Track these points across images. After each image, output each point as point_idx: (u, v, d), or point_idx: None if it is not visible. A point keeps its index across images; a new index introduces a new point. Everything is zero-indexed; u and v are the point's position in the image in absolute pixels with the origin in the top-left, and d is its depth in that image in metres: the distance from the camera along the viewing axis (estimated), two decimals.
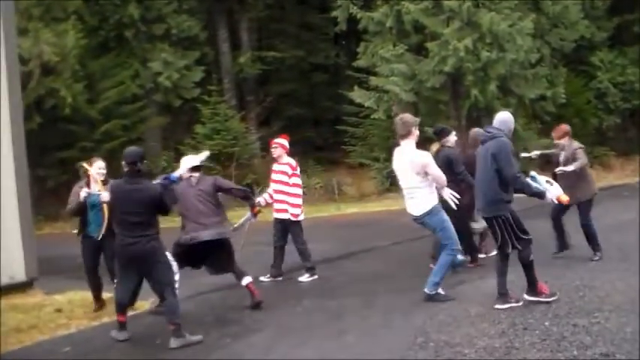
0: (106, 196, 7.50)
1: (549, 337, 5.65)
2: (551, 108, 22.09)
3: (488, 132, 6.98)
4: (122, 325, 6.84)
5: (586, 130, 23.55)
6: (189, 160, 7.78)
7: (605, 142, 24.28)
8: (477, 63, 18.86)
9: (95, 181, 8.05)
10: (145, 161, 7.16)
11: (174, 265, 7.24)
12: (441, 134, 9.23)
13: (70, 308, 8.17)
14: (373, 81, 21.15)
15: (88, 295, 8.48)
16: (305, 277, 9.21)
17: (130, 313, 7.98)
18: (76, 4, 21.24)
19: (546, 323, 6.03)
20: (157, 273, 6.64)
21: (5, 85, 9.69)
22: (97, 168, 8.15)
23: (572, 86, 23.25)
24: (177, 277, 7.33)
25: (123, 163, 6.81)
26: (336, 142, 26.23)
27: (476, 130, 9.30)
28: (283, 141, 9.54)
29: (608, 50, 25.11)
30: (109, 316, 7.83)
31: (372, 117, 22.07)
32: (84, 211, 7.95)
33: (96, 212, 7.93)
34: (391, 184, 22.64)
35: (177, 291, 6.96)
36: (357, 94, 21.76)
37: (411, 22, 20.11)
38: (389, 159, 24.60)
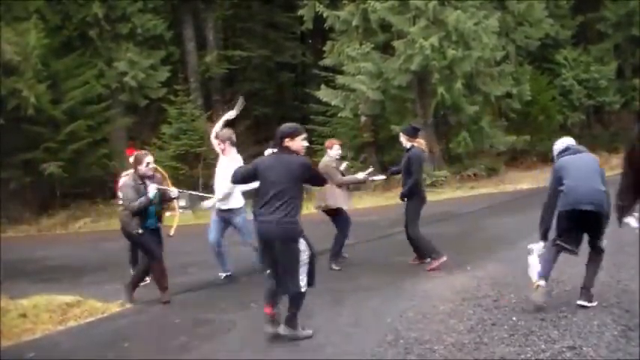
0: (175, 192, 8.24)
1: (517, 331, 5.69)
2: (517, 105, 22.36)
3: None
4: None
5: (551, 126, 23.88)
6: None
7: None
8: (443, 61, 18.99)
9: (145, 176, 8.11)
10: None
11: None
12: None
13: (35, 313, 7.99)
14: (340, 80, 21.20)
15: (53, 298, 8.33)
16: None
17: (99, 315, 7.91)
18: (37, 3, 20.96)
19: (514, 318, 6.07)
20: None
21: None
22: (146, 163, 8.15)
23: (537, 83, 23.54)
24: None
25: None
26: None
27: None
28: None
29: (572, 48, 25.50)
30: (74, 320, 7.71)
31: (339, 116, 22.13)
32: (145, 207, 8.04)
33: (157, 207, 8.17)
34: None
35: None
36: (324, 93, 21.79)
37: (378, 21, 20.21)
38: (356, 157, 24.79)
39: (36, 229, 19.68)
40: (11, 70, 19.41)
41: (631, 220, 5.62)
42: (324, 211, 9.64)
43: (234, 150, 8.96)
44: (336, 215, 9.58)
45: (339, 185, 9.45)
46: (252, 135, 26.85)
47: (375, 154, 23.45)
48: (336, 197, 9.47)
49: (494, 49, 20.25)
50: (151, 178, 8.15)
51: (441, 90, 19.25)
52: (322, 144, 24.19)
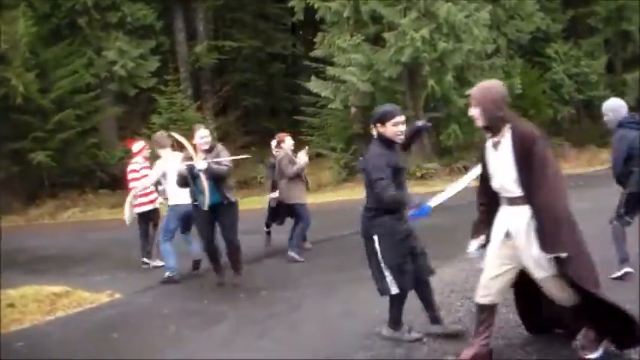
0: (201, 164, 7.46)
1: (507, 324, 5.70)
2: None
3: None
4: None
5: (541, 120, 23.93)
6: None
7: (560, 132, 24.68)
8: (434, 53, 19.00)
9: (200, 150, 7.79)
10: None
11: None
12: None
13: (24, 303, 7.97)
14: (330, 71, 21.16)
15: (41, 289, 8.30)
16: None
17: (88, 305, 7.88)
18: None
19: (503, 310, 6.08)
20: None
21: None
22: (199, 137, 7.82)
23: (527, 77, 23.56)
24: None
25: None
26: (294, 132, 26.19)
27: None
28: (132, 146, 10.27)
29: (563, 42, 25.52)
30: (63, 311, 7.68)
31: (329, 107, 22.11)
32: (187, 182, 7.70)
33: (198, 183, 7.63)
34: (348, 175, 22.73)
35: None
36: (314, 84, 21.75)
37: (369, 12, 20.18)
38: (346, 149, 24.69)
39: (24, 219, 19.60)
40: None
41: (473, 246, 5.13)
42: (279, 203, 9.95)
43: (167, 150, 8.80)
44: (293, 209, 9.84)
45: (291, 178, 9.59)
46: (242, 126, 26.78)
47: (365, 145, 23.41)
48: (289, 191, 9.68)
49: (485, 41, 20.27)
50: (209, 152, 7.82)
51: (431, 82, 19.27)
52: (312, 135, 24.43)
